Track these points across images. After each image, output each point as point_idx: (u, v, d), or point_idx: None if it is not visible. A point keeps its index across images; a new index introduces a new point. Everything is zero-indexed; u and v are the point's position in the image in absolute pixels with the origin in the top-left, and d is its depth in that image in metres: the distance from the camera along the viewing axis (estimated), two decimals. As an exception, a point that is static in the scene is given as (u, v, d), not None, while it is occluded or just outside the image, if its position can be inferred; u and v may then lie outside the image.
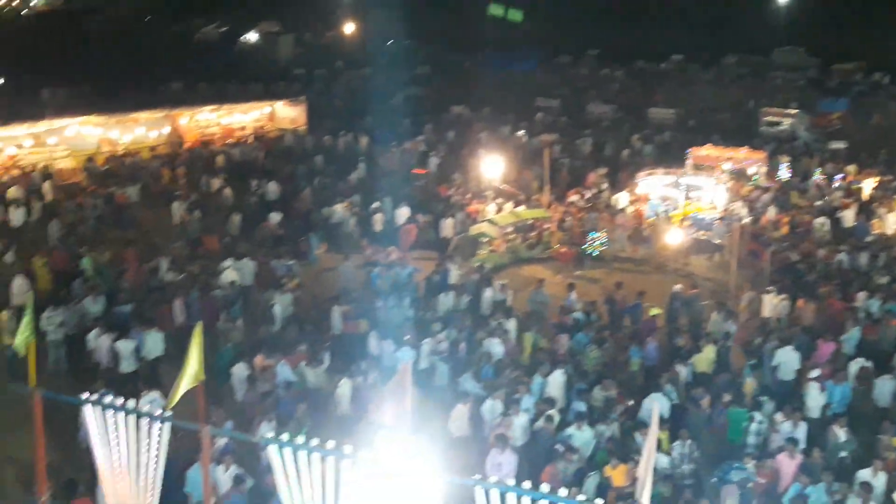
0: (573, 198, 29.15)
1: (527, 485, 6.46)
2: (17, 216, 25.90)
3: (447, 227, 25.79)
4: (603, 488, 11.95)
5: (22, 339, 8.54)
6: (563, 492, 6.44)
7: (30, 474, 10.49)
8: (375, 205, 26.85)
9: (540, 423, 13.84)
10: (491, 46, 62.19)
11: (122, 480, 7.87)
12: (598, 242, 25.05)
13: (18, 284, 19.07)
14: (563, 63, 61.27)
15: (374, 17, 66.89)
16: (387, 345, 16.59)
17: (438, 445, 12.32)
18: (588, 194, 29.85)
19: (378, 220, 26.26)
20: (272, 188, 29.77)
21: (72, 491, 11.53)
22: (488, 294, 20.12)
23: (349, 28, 70.84)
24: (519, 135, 39.94)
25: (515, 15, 63.55)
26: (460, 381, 15.53)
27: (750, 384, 15.54)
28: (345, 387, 15.08)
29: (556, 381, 15.21)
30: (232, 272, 20.41)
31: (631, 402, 14.92)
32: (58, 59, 59.29)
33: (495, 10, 63.15)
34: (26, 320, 8.61)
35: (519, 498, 6.41)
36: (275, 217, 26.18)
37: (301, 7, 72.58)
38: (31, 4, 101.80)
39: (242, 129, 40.87)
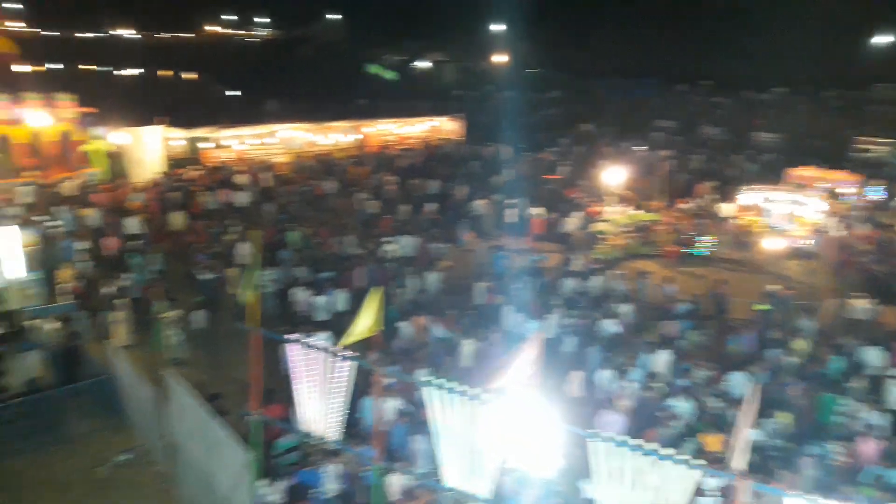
0: (683, 205, 28.10)
1: (634, 441, 6.38)
2: (241, 198, 27.48)
3: (570, 223, 25.44)
4: (698, 453, 11.57)
5: (247, 289, 9.10)
6: (665, 451, 6.31)
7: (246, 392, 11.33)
8: (510, 201, 26.85)
9: (646, 392, 13.53)
10: (617, 74, 60.63)
11: (313, 402, 8.31)
12: (703, 244, 24.07)
13: (243, 248, 20.34)
14: (680, 90, 58.98)
15: (521, 49, 66.52)
16: (518, 317, 16.63)
17: (557, 403, 12.28)
18: (696, 203, 28.70)
19: (511, 214, 26.22)
20: (432, 185, 30.36)
21: (269, 399, 12.08)
22: (601, 281, 19.74)
23: (500, 58, 70.88)
24: (638, 150, 38.75)
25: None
26: (579, 352, 15.37)
27: (837, 374, 14.55)
28: (469, 346, 15.15)
29: (661, 359, 14.80)
30: (394, 246, 21.11)
31: (727, 381, 14.30)
32: (277, 77, 62.45)
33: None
34: (251, 275, 9.08)
35: (628, 451, 6.33)
36: (431, 206, 26.77)
37: (463, 41, 73.31)
38: (260, 35, 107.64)
39: (413, 138, 41.82)
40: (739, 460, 6.76)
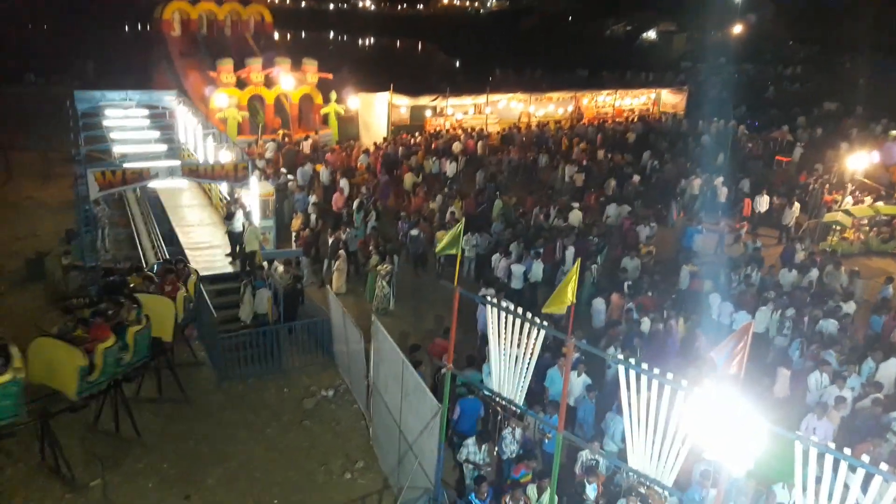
0: (940, 200, 24.28)
1: (846, 451, 5.73)
2: (454, 165, 28.18)
3: (794, 211, 23.06)
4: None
5: (452, 251, 9.31)
6: (883, 466, 5.59)
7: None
8: (719, 180, 24.93)
9: (865, 402, 12.06)
10: (873, 49, 53.30)
11: (504, 365, 8.45)
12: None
13: (452, 211, 21.06)
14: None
15: (760, 18, 61.03)
16: (726, 305, 15.55)
17: (761, 401, 11.41)
18: (957, 198, 24.65)
19: (722, 195, 24.38)
20: (645, 160, 29.17)
21: (469, 363, 12.53)
22: (827, 277, 17.76)
23: (736, 28, 65.57)
24: (890, 134, 34.04)
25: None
26: (791, 348, 14.06)
27: None
28: (665, 329, 14.38)
29: (889, 369, 13.08)
30: (577, 213, 21.35)
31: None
32: (501, 47, 63.20)
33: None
34: (457, 238, 9.31)
35: (836, 462, 5.71)
36: (640, 183, 25.89)
37: (696, 9, 68.68)
38: (487, 5, 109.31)
39: (632, 111, 40.34)
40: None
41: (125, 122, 24.93)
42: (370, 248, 18.02)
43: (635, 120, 38.18)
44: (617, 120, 38.43)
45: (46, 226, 21.70)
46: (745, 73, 52.94)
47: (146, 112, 26.02)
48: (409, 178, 25.18)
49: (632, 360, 7.09)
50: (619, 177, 26.44)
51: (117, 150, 21.07)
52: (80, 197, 16.18)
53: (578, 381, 11.97)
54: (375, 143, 30.09)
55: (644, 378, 6.94)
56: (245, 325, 14.60)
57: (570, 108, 38.48)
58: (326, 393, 13.36)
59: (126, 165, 16.98)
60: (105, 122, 24.22)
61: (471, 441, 10.31)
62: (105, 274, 16.05)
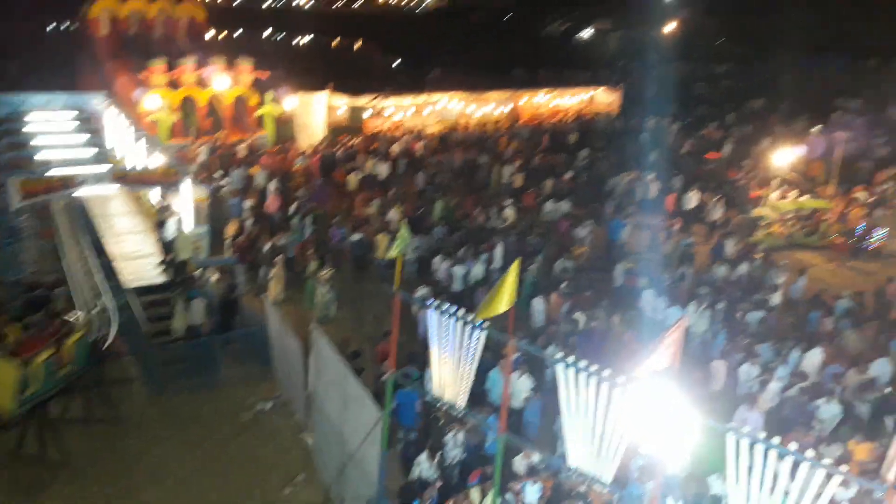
0: (859, 194, 25.45)
1: (775, 440, 5.94)
2: (394, 167, 27.84)
3: (724, 206, 23.75)
4: (843, 461, 10.59)
5: (392, 254, 9.17)
6: (808, 453, 5.83)
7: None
8: (651, 176, 25.52)
9: (792, 391, 12.54)
10: (798, 48, 55.49)
11: (446, 367, 8.45)
12: (878, 237, 21.74)
13: (391, 214, 20.99)
14: (870, 67, 52.89)
15: (690, 17, 62.86)
16: (659, 301, 15.93)
17: (694, 394, 11.69)
18: (875, 192, 25.91)
19: (656, 192, 24.90)
20: (580, 158, 29.79)
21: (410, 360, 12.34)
22: (755, 270, 18.41)
23: (668, 27, 67.23)
24: (813, 131, 35.54)
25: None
26: (723, 344, 14.50)
27: None
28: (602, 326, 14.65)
29: (812, 358, 13.64)
30: (509, 211, 21.71)
31: (888, 391, 12.92)
32: (439, 46, 63.23)
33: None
34: (397, 241, 9.07)
35: (766, 451, 5.92)
36: (574, 180, 26.56)
37: (629, 8, 70.21)
38: (424, 4, 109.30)
39: (566, 110, 40.97)
40: (893, 472, 6.10)
41: (49, 126, 23.99)
42: (308, 253, 17.75)
43: (571, 120, 38.79)
44: (553, 120, 38.96)
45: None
46: (678, 71, 54.36)
47: (72, 115, 25.08)
48: (353, 180, 24.96)
49: (569, 358, 7.18)
50: (556, 176, 26.82)
51: (41, 156, 20.20)
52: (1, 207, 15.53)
53: (521, 382, 12.06)
54: (313, 146, 29.70)
55: (582, 376, 7.05)
56: (178, 338, 14.19)
57: (509, 108, 38.82)
58: (264, 405, 13.13)
59: (50, 173, 16.36)
60: (27, 129, 23.25)
61: (423, 457, 10.25)
62: (28, 289, 15.39)
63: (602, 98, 42.17)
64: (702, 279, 17.73)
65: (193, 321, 14.28)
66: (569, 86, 42.97)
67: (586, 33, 73.45)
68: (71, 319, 11.37)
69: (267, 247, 18.32)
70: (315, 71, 43.04)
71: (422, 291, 15.28)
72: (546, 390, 12.22)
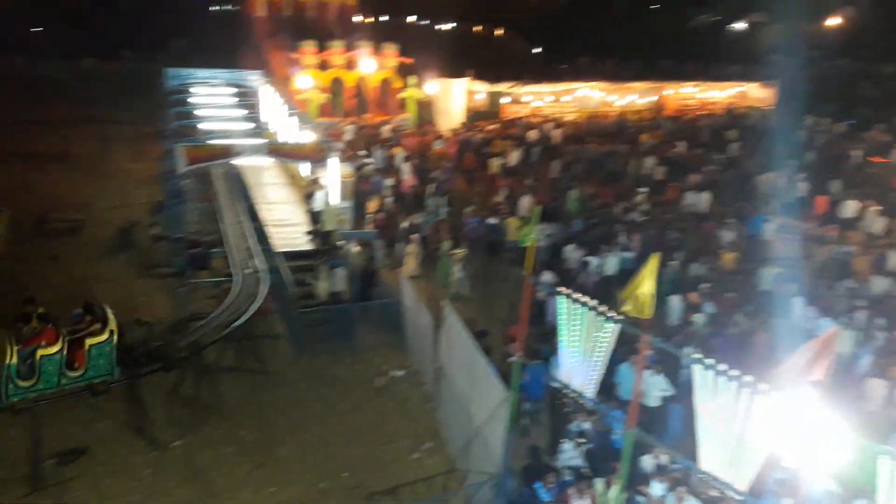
0: None
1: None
2: (530, 154, 27.76)
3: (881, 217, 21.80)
4: None
5: (525, 239, 9.36)
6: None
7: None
8: (801, 177, 23.77)
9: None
10: None
11: (574, 357, 8.44)
12: None
13: (526, 201, 21.01)
14: None
15: (860, 11, 57.92)
16: (810, 311, 14.97)
17: (847, 411, 10.97)
18: None
19: (802, 193, 23.21)
20: (727, 154, 28.36)
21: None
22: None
23: (833, 21, 62.25)
24: None
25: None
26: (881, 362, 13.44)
27: None
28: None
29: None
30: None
31: None
32: (579, 35, 62.03)
33: None
34: (530, 227, 9.18)
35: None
36: (712, 168, 25.78)
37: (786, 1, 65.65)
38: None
39: (715, 103, 39.13)
40: None
41: (212, 99, 25.81)
42: (442, 232, 18.15)
43: (720, 113, 37.01)
44: (700, 113, 37.33)
45: (137, 197, 22.79)
46: (840, 69, 50.42)
47: (232, 90, 26.85)
48: (494, 165, 25.21)
49: (708, 360, 6.97)
50: (699, 170, 25.75)
51: (204, 126, 21.82)
52: (167, 170, 16.91)
53: (653, 380, 11.79)
54: (452, 129, 30.17)
55: (721, 379, 6.82)
56: (321, 303, 15.01)
57: (652, 99, 37.59)
58: (397, 373, 13.60)
59: (212, 142, 17.63)
60: (193, 100, 25.11)
61: (567, 446, 10.29)
62: (189, 246, 16.78)
63: (755, 93, 39.91)
64: (859, 292, 16.48)
65: (335, 288, 15.04)
66: (718, 79, 40.98)
67: (739, 25, 69.45)
68: (108, 318, 11.05)
69: (404, 224, 18.92)
70: (456, 57, 43.48)
71: (548, 277, 15.29)
72: (680, 391, 11.89)
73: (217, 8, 72.53)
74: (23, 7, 45.12)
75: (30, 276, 16.84)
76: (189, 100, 25.10)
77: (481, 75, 33.43)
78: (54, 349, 10.53)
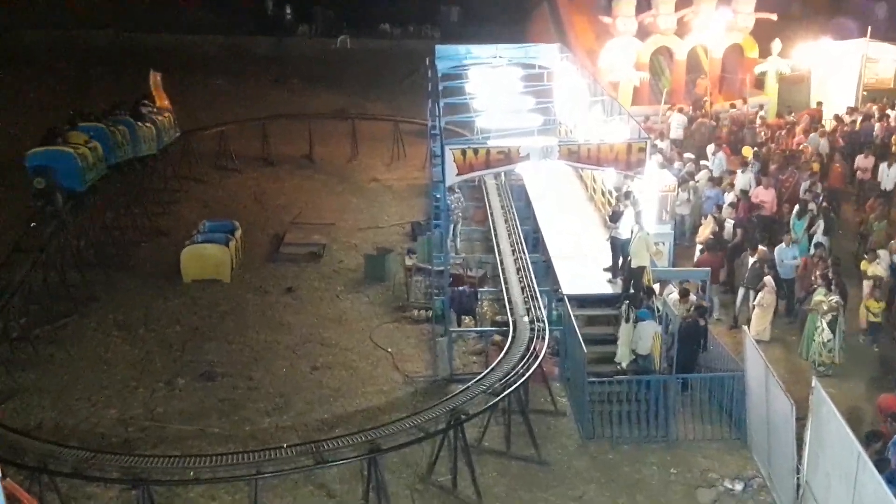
0: None
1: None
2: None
3: None
4: None
5: None
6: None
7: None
8: None
9: None
10: None
11: None
12: None
13: None
14: None
15: None
16: None
17: None
18: None
19: None
20: None
21: None
22: None
23: None
24: None
25: None
26: None
27: None
28: None
29: None
30: None
31: None
32: None
33: None
34: None
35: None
36: None
37: None
38: None
39: None
40: None
41: (492, 86, 27.08)
42: (815, 275, 17.17)
43: None
44: None
45: (390, 214, 24.95)
46: None
47: (519, 73, 27.94)
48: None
49: None
50: None
51: (481, 122, 22.90)
52: (435, 181, 18.10)
53: None
54: (837, 117, 28.45)
55: None
56: (621, 370, 15.04)
57: None
58: (732, 486, 13.22)
59: (492, 143, 18.48)
60: (468, 87, 26.54)
61: None
62: (453, 282, 17.90)
63: None
64: None
65: (643, 351, 14.98)
66: None
67: None
68: None
69: (752, 260, 18.22)
70: (844, 8, 41.04)
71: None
72: None
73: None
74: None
75: (257, 316, 19.27)
76: (463, 87, 26.46)
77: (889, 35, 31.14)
78: None
